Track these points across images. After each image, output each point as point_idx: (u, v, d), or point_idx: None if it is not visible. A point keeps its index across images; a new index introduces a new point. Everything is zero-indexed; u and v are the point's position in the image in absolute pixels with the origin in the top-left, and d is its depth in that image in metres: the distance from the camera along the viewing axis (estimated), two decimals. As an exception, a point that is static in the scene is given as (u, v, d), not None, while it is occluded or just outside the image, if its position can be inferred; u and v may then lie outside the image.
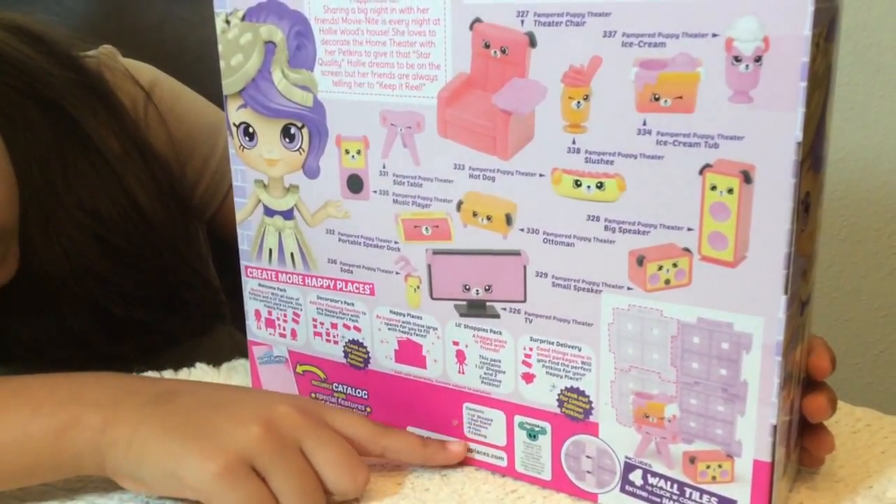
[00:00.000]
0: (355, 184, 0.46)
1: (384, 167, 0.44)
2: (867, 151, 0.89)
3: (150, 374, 0.57)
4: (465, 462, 0.47)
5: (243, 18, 0.46)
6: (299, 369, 0.51)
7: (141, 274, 0.62)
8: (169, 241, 0.64)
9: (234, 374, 0.58)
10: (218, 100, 0.72)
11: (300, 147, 0.47)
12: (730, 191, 0.36)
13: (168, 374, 0.57)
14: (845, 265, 0.98)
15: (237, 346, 0.74)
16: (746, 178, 0.35)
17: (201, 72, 0.71)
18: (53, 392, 0.41)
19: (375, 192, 0.45)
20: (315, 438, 0.40)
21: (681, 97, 0.36)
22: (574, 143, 0.39)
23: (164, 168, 0.64)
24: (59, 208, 0.58)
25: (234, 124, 0.48)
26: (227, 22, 0.46)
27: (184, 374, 0.57)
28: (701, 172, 0.36)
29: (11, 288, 0.59)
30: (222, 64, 0.47)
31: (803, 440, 0.43)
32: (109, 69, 0.64)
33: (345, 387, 0.50)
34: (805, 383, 0.42)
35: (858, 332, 1.02)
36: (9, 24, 0.60)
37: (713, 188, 0.36)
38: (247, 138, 0.48)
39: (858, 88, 0.88)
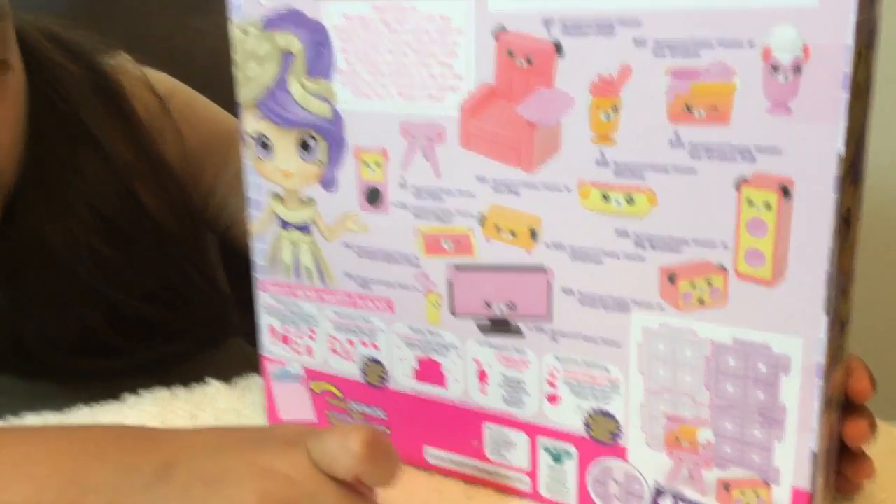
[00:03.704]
0: (374, 197, 0.44)
1: (404, 180, 0.43)
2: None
3: (161, 390, 0.56)
4: (486, 484, 0.45)
5: (261, 28, 0.44)
6: (315, 387, 0.50)
7: (145, 264, 0.61)
8: (177, 244, 0.63)
9: (247, 391, 0.56)
10: (228, 110, 0.71)
11: (318, 159, 0.45)
12: (767, 206, 0.34)
13: (180, 391, 0.56)
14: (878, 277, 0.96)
15: (248, 361, 0.73)
16: (785, 192, 0.34)
17: (211, 82, 0.70)
18: (55, 470, 0.39)
19: (395, 205, 0.44)
20: (313, 499, 0.36)
21: (715, 108, 0.34)
22: (602, 155, 0.37)
23: (175, 180, 0.64)
24: (69, 195, 0.58)
25: (250, 135, 0.47)
26: (244, 31, 0.45)
27: (196, 391, 0.56)
28: (737, 187, 0.35)
29: (22, 278, 0.58)
30: (238, 74, 0.46)
31: (840, 466, 0.41)
32: (126, 76, 0.63)
33: (362, 406, 0.48)
34: (843, 406, 0.40)
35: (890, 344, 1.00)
36: (39, 24, 0.60)
37: (750, 203, 0.35)
38: (262, 149, 0.47)
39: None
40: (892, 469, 0.45)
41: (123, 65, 0.65)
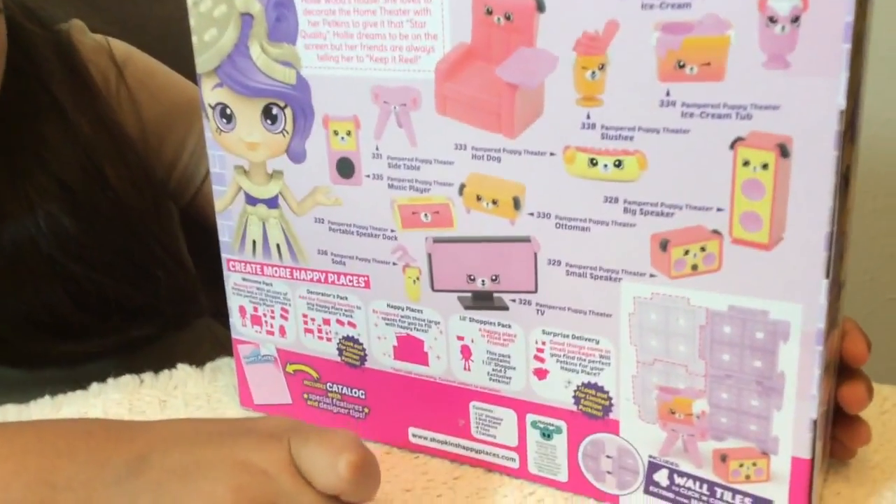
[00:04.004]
0: (346, 168, 0.42)
1: (377, 149, 0.40)
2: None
3: (128, 377, 0.53)
4: (473, 464, 0.44)
5: (215, -11, 0.41)
6: (290, 369, 0.48)
7: (107, 237, 0.59)
8: (140, 218, 0.60)
9: (219, 374, 0.54)
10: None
11: (283, 129, 0.43)
12: (764, 166, 0.33)
13: (148, 377, 0.53)
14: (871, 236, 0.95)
15: (218, 341, 0.71)
16: (783, 151, 0.32)
17: (165, 51, 0.67)
18: (23, 468, 0.36)
19: (368, 176, 0.41)
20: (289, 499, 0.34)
21: (708, 64, 0.32)
22: (589, 117, 0.35)
23: (135, 151, 0.61)
24: (31, 162, 0.56)
25: (210, 105, 0.44)
26: (198, -7, 0.42)
27: (164, 376, 0.53)
28: (732, 147, 0.33)
29: None
30: (194, 39, 0.43)
31: (835, 431, 0.40)
32: (81, 43, 0.60)
33: (340, 387, 0.46)
34: (839, 370, 0.39)
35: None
36: None
37: (746, 164, 0.33)
38: (224, 120, 0.44)
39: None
40: (884, 430, 0.44)
41: (79, 31, 0.62)
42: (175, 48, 0.72)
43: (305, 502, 0.33)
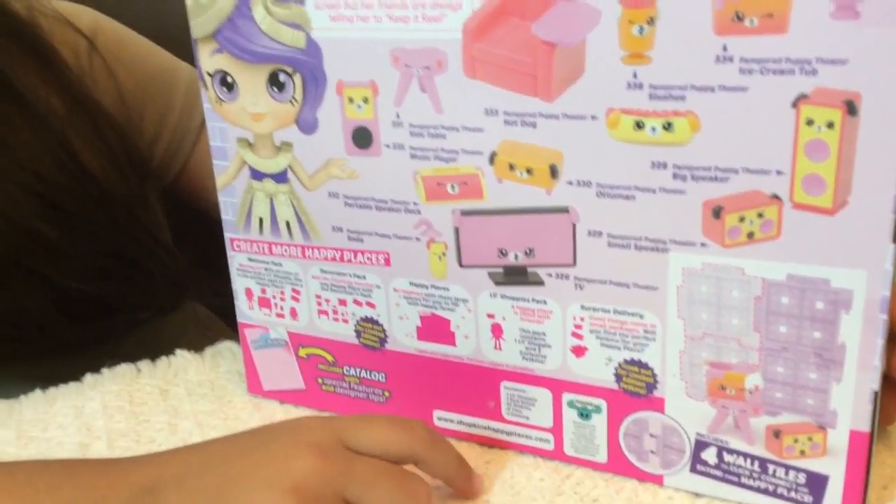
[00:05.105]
0: (363, 138, 0.39)
1: (398, 116, 0.37)
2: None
3: (124, 366, 0.50)
4: (504, 446, 0.42)
5: (213, -56, 0.38)
6: (302, 352, 0.45)
7: (96, 242, 0.54)
8: (125, 207, 0.56)
9: (220, 360, 0.51)
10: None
11: (292, 97, 0.39)
12: (830, 125, 0.30)
13: (145, 366, 0.50)
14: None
15: (203, 322, 0.67)
16: (850, 108, 0.30)
17: (128, 16, 0.62)
18: None
19: (388, 146, 0.38)
20: (356, 483, 0.32)
21: (770, 15, 0.30)
22: (635, 76, 0.33)
23: (115, 127, 0.56)
24: None
25: (208, 73, 0.41)
26: (194, -51, 0.38)
27: (163, 364, 0.50)
28: (795, 105, 0.31)
29: None
30: (189, 2, 0.40)
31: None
32: (43, 15, 0.55)
33: (358, 370, 0.44)
34: (888, 336, 0.37)
35: None
36: None
37: (809, 123, 0.31)
38: (225, 89, 0.41)
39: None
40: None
41: (35, 2, 0.56)
42: (136, 12, 0.67)
43: (363, 465, 0.32)
